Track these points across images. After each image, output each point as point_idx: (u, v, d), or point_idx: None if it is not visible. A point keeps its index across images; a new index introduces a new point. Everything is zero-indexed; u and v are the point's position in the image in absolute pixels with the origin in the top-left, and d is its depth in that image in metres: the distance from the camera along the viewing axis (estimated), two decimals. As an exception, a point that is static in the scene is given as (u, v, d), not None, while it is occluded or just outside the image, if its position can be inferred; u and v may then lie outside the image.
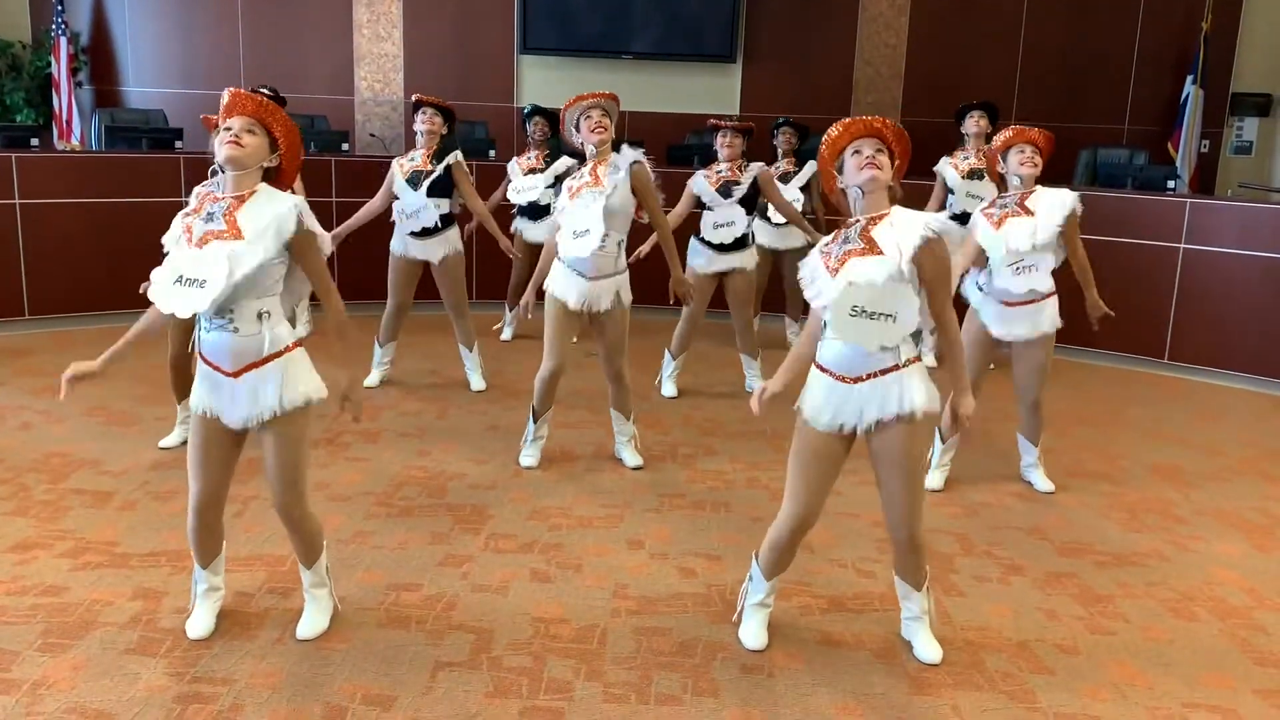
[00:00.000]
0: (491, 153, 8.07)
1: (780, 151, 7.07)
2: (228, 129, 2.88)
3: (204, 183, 4.49)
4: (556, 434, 5.10)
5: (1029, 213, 4.38)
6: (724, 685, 2.99)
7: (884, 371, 2.93)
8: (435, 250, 5.68)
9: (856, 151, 2.95)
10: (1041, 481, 4.69)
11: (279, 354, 2.92)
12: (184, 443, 4.68)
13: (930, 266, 2.88)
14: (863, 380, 2.95)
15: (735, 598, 3.49)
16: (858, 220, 2.99)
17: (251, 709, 2.78)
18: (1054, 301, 4.46)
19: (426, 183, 5.59)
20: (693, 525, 4.13)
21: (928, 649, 3.18)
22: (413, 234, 5.64)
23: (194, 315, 2.88)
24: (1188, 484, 4.86)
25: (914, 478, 2.98)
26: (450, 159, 5.63)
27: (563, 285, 4.48)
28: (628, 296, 4.54)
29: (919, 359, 2.98)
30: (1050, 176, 8.44)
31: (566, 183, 4.53)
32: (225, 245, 2.82)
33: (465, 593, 3.48)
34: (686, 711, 2.86)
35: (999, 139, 4.56)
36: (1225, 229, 6.61)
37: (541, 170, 6.81)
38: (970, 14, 9.53)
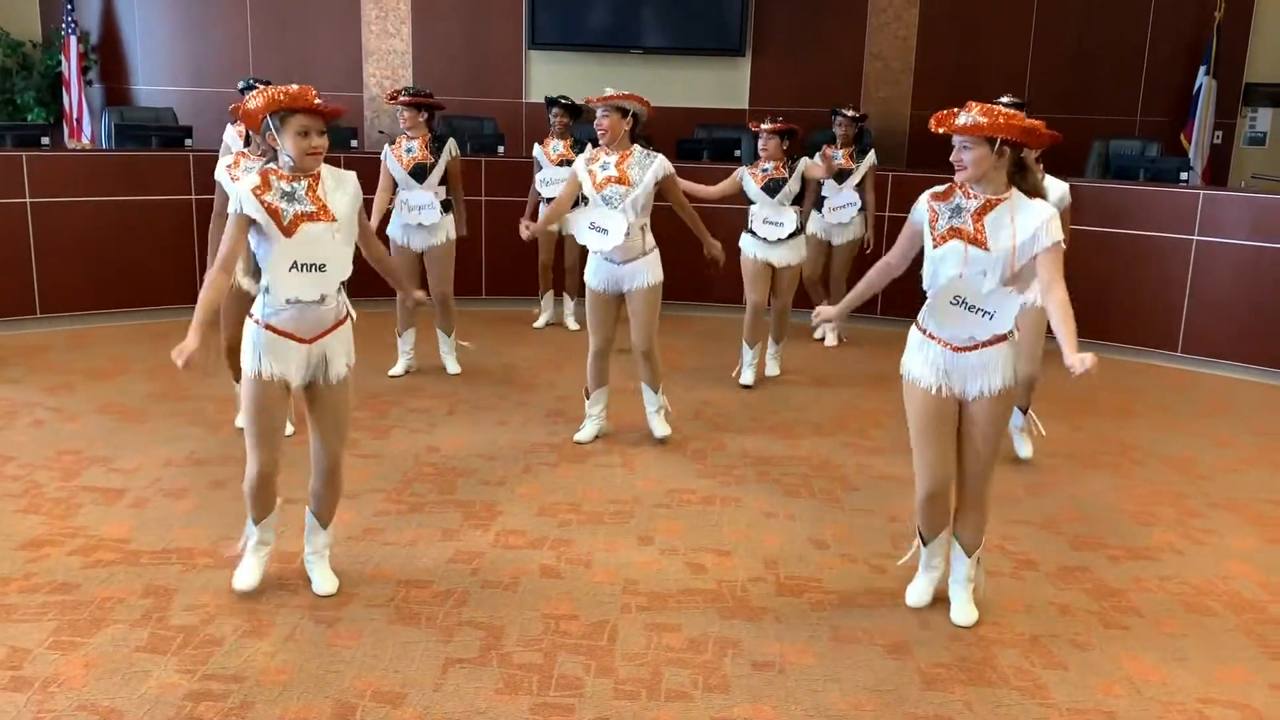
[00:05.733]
0: (500, 148, 8.06)
1: (839, 141, 6.90)
2: (302, 134, 3.05)
3: (246, 156, 4.63)
4: (564, 429, 5.10)
5: None
6: (735, 681, 2.98)
7: (990, 342, 3.09)
8: (432, 237, 5.81)
9: (952, 145, 3.05)
10: (1022, 447, 4.91)
11: (343, 321, 3.25)
12: None
13: (1045, 262, 3.02)
14: (973, 350, 3.10)
15: (745, 593, 3.50)
16: (976, 197, 3.06)
17: (262, 706, 2.79)
18: None
19: (434, 176, 5.70)
20: (703, 520, 4.12)
21: (962, 612, 3.33)
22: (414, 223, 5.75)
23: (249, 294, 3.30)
24: (1201, 476, 4.82)
25: (998, 439, 3.21)
26: (447, 153, 5.75)
27: (597, 272, 4.76)
28: (658, 275, 4.76)
29: (1013, 333, 3.13)
30: (1063, 168, 8.40)
31: (588, 165, 4.69)
32: (324, 227, 3.09)
33: (475, 589, 3.47)
34: (697, 707, 2.85)
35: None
36: (1238, 221, 6.56)
37: (571, 163, 6.79)
38: (980, 5, 9.47)
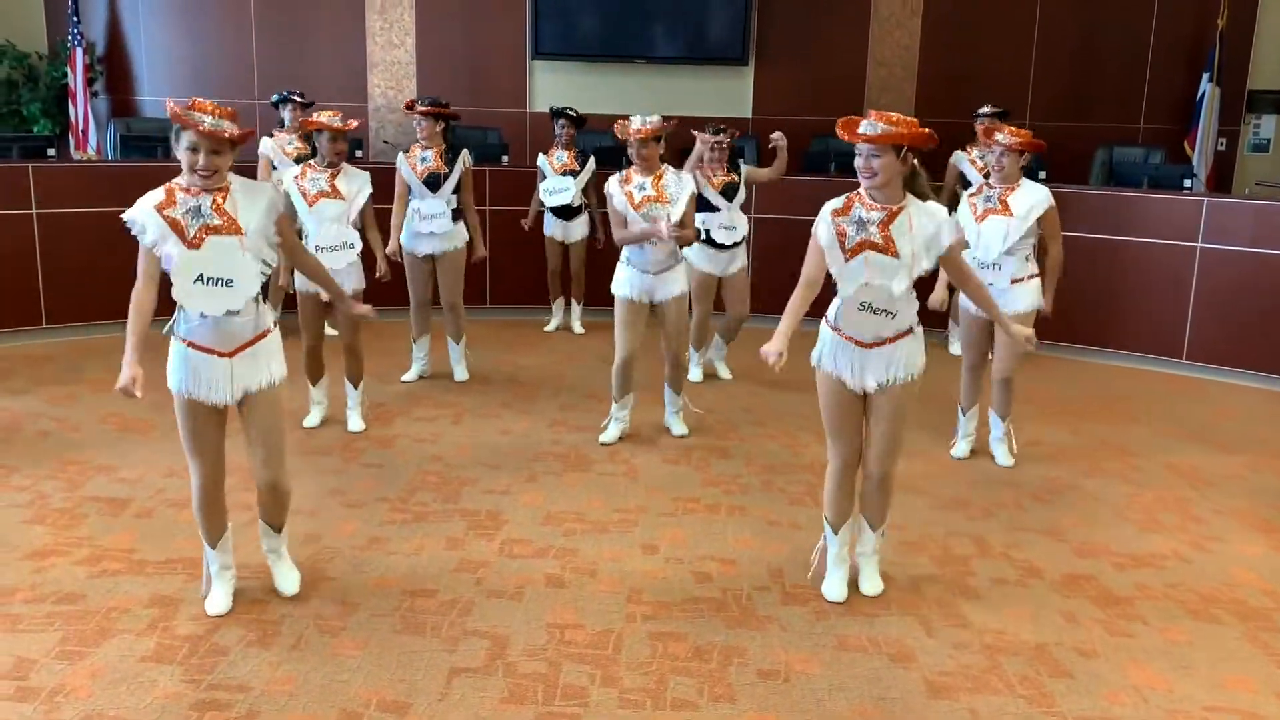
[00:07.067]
0: (504, 158, 8.08)
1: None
2: (192, 150, 3.04)
3: (312, 167, 5.02)
4: (569, 437, 5.11)
5: (1009, 210, 4.65)
6: (740, 690, 2.98)
7: (894, 338, 3.28)
8: (443, 245, 5.87)
9: (858, 154, 3.17)
10: (1003, 456, 4.95)
11: (265, 334, 3.19)
12: (324, 422, 5.25)
13: (952, 251, 3.27)
14: (876, 346, 3.28)
15: (750, 602, 3.50)
16: (879, 208, 3.20)
17: (268, 715, 2.79)
18: (1035, 283, 4.74)
19: (447, 187, 5.78)
20: (708, 529, 4.12)
21: (871, 583, 3.58)
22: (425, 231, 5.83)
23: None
24: (1206, 483, 4.81)
25: (900, 424, 3.37)
26: (462, 163, 5.82)
27: (627, 281, 4.93)
28: (685, 285, 4.99)
29: (916, 329, 3.34)
30: (1066, 175, 8.39)
31: (623, 188, 4.85)
32: (231, 241, 3.04)
33: (480, 598, 3.48)
34: (703, 716, 2.85)
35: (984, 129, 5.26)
36: (1242, 227, 6.55)
37: (575, 173, 7.08)
38: (983, 12, 9.48)
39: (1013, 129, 4.72)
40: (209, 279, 3.03)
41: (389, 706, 2.85)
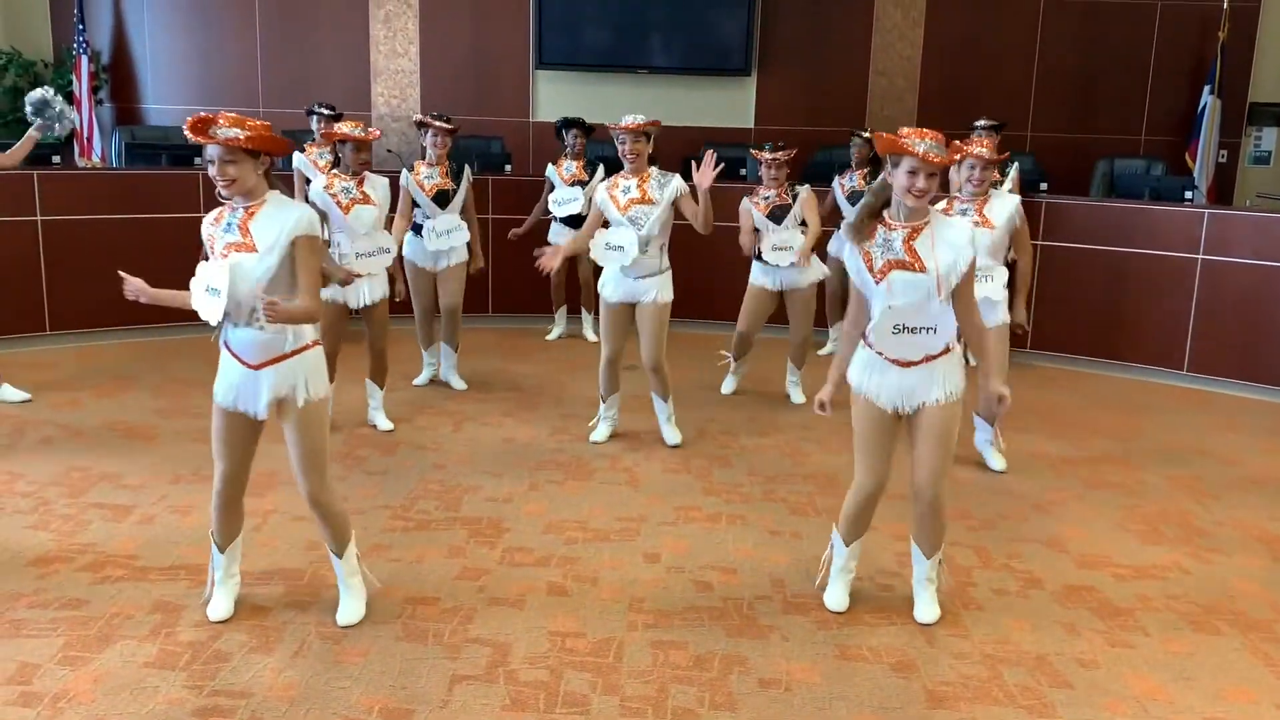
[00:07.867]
0: (508, 168, 8.11)
1: (854, 162, 7.08)
2: (210, 162, 3.02)
3: (339, 176, 5.12)
4: (571, 446, 5.12)
5: (990, 223, 4.67)
6: (741, 699, 2.99)
7: (933, 357, 3.23)
8: (447, 258, 5.91)
9: (913, 172, 3.09)
10: (995, 460, 4.97)
11: (300, 350, 3.12)
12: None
13: (967, 277, 3.18)
14: (915, 365, 3.23)
15: (752, 611, 3.50)
16: (902, 226, 3.19)
17: (269, 722, 2.80)
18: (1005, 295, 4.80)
19: (457, 201, 5.83)
20: (709, 538, 4.12)
21: (924, 610, 3.46)
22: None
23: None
24: (1208, 495, 4.82)
25: (947, 446, 3.29)
26: (467, 179, 5.88)
27: (612, 285, 4.98)
28: (668, 295, 4.97)
29: (954, 346, 3.29)
30: (1067, 187, 8.41)
31: (609, 192, 4.89)
32: (245, 258, 3.03)
33: (482, 606, 3.48)
34: (703, 725, 2.85)
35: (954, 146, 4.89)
36: (1243, 239, 6.57)
37: (584, 183, 7.08)
38: (985, 25, 9.52)
39: (983, 140, 4.77)
40: (210, 288, 3.05)
41: (390, 714, 2.86)
